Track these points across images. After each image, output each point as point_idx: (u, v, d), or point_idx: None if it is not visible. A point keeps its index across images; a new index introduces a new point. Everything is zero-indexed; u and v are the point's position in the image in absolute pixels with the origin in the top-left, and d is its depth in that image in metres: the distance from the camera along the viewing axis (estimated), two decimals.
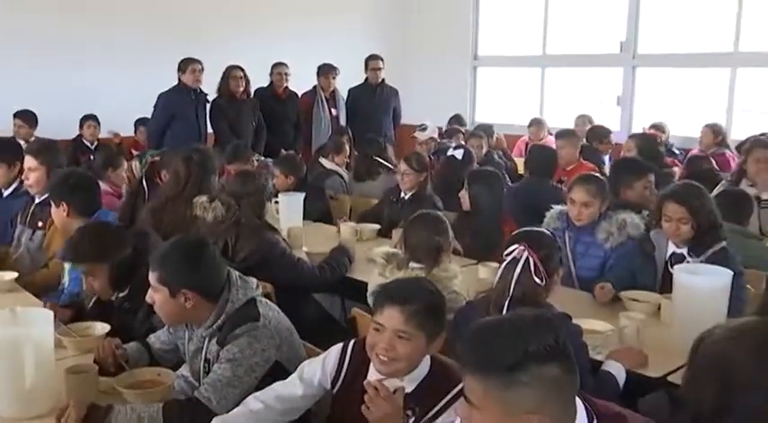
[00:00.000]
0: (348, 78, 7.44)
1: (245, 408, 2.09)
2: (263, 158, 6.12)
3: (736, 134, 6.85)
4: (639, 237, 3.35)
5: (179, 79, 6.33)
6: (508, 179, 5.33)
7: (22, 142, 5.19)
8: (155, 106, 6.34)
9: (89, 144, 6.94)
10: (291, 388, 2.13)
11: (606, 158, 6.26)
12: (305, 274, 3.54)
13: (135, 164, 5.60)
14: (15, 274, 3.32)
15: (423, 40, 9.41)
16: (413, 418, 1.99)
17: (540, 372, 1.39)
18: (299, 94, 7.18)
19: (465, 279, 3.04)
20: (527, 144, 7.31)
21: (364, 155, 5.72)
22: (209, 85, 6.51)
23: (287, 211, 4.38)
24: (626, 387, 2.39)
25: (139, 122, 7.24)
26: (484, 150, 6.19)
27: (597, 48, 8.28)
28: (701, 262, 3.00)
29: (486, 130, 6.74)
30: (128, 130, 7.33)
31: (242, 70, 6.57)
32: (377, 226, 4.49)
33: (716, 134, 6.52)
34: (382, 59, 7.43)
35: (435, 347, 2.06)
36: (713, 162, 5.66)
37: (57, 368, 2.23)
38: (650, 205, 3.74)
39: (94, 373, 2.26)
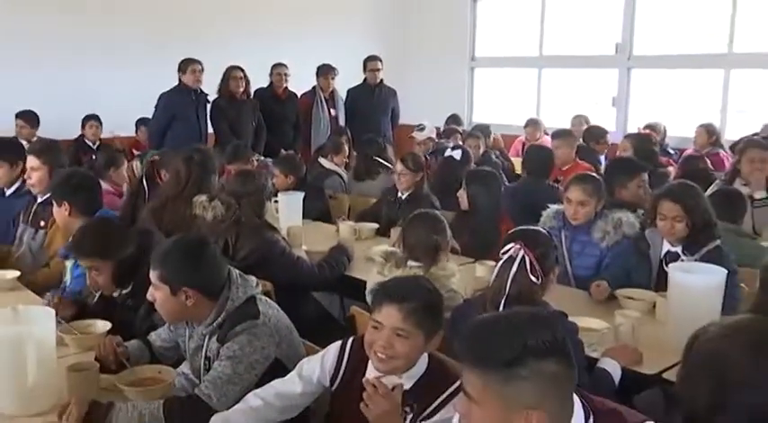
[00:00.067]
0: (347, 79, 7.44)
1: (245, 405, 2.09)
2: (262, 158, 6.12)
3: (730, 134, 6.86)
4: (635, 235, 3.36)
5: (179, 80, 6.33)
6: (505, 179, 5.33)
7: (24, 142, 5.19)
8: (155, 107, 6.34)
9: (91, 144, 6.93)
10: (291, 385, 2.13)
11: (602, 158, 6.26)
12: (304, 273, 3.54)
13: (136, 164, 5.59)
14: (17, 273, 3.32)
15: (421, 41, 9.41)
16: (411, 415, 1.99)
17: (539, 367, 1.39)
18: (299, 95, 7.18)
19: (462, 277, 3.04)
20: (523, 144, 7.32)
21: (364, 155, 5.72)
22: (210, 86, 6.50)
23: (286, 210, 4.38)
24: (621, 384, 2.40)
25: (140, 122, 7.23)
26: (481, 150, 6.20)
27: (593, 49, 8.28)
28: (696, 260, 3.01)
29: (484, 130, 6.74)
30: (128, 130, 7.32)
31: (242, 71, 6.57)
32: (375, 225, 4.49)
33: (710, 134, 6.53)
34: (381, 60, 7.43)
35: (433, 345, 2.06)
36: (708, 162, 5.67)
37: (58, 366, 2.23)
38: (645, 204, 3.75)
39: (96, 370, 2.25)
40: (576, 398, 1.50)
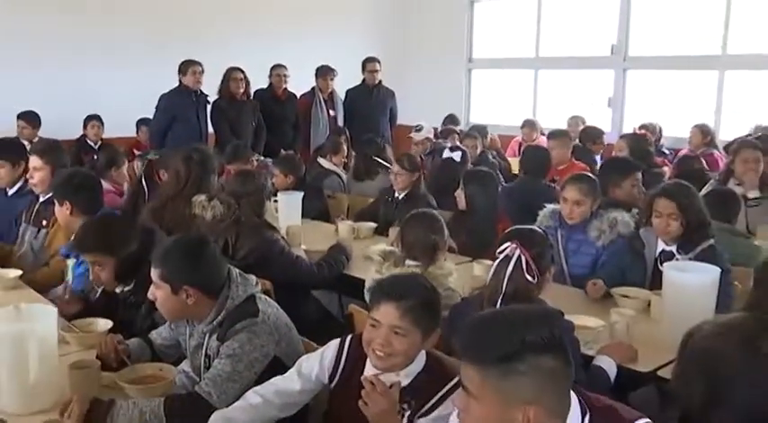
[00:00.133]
0: (346, 80, 7.44)
1: (245, 402, 2.09)
2: (262, 158, 6.12)
3: (725, 135, 6.87)
4: (630, 235, 3.36)
5: (179, 81, 6.32)
6: (502, 179, 5.34)
7: (25, 143, 5.18)
8: (156, 108, 6.33)
9: (93, 144, 6.93)
10: (290, 383, 2.13)
11: (598, 158, 6.27)
12: (303, 272, 3.54)
13: (137, 164, 5.59)
14: (19, 272, 3.31)
15: (418, 42, 9.41)
16: (409, 412, 1.99)
17: (537, 362, 1.40)
18: (298, 96, 7.17)
19: (460, 276, 3.04)
20: (520, 144, 7.33)
21: (363, 155, 5.72)
22: (210, 87, 6.50)
23: (286, 209, 4.37)
24: (617, 381, 2.40)
25: (141, 122, 7.23)
26: (478, 150, 6.20)
27: (589, 50, 8.29)
28: (690, 259, 3.01)
29: (481, 130, 6.74)
30: (129, 131, 7.31)
31: (242, 72, 6.57)
32: (374, 224, 4.49)
33: (704, 135, 6.54)
34: (379, 61, 7.43)
35: (431, 343, 2.06)
36: (703, 162, 5.68)
37: (60, 364, 2.22)
38: (639, 203, 3.76)
39: (97, 368, 2.25)
40: (572, 394, 1.50)
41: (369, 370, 2.05)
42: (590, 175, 3.84)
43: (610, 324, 2.70)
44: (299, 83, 7.18)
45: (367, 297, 2.66)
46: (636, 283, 3.18)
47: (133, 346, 2.46)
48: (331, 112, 7.23)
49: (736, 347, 1.48)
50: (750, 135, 5.90)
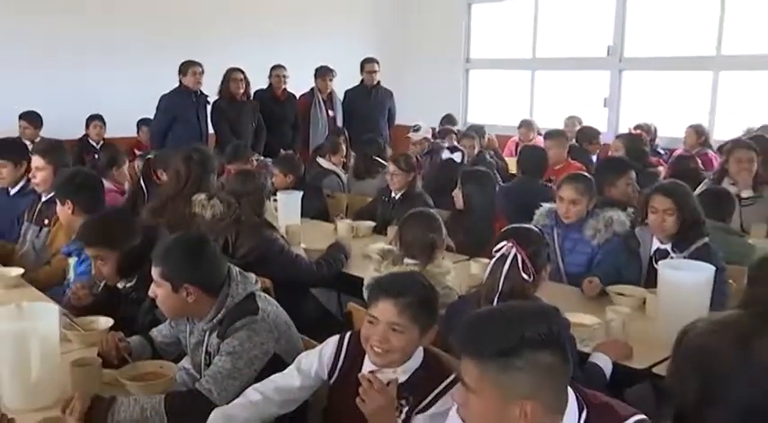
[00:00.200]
0: (344, 80, 7.44)
1: (245, 399, 2.09)
2: (262, 158, 6.12)
3: (719, 135, 6.88)
4: (625, 233, 3.37)
5: (180, 82, 6.32)
6: (499, 178, 5.34)
7: (27, 143, 5.18)
8: (156, 108, 6.33)
9: (95, 144, 6.93)
10: (289, 379, 2.13)
11: (594, 158, 6.27)
12: (303, 270, 3.54)
13: (138, 164, 5.59)
14: (21, 270, 3.31)
15: (417, 43, 9.41)
16: (407, 408, 1.99)
17: (535, 358, 1.40)
18: (297, 96, 7.17)
19: (457, 275, 3.04)
20: (517, 144, 7.33)
21: (364, 154, 5.73)
22: (210, 87, 6.49)
23: (285, 208, 4.37)
24: (612, 378, 2.40)
25: (142, 122, 7.23)
26: (476, 150, 6.20)
27: (585, 51, 8.29)
28: (685, 257, 3.02)
29: (478, 130, 6.74)
30: (130, 131, 7.31)
31: (242, 72, 6.57)
32: (372, 223, 4.49)
33: (699, 135, 6.55)
34: (378, 62, 7.43)
35: (428, 339, 2.07)
36: (698, 162, 5.68)
37: (62, 361, 2.22)
38: (633, 202, 3.77)
39: (98, 365, 2.25)
40: (570, 391, 1.50)
41: (367, 366, 2.05)
42: (586, 174, 3.84)
43: (605, 322, 2.71)
44: (299, 83, 7.18)
45: (365, 295, 2.66)
46: (631, 281, 3.18)
47: (134, 344, 2.46)
48: (330, 113, 7.23)
49: (731, 345, 1.48)
50: (743, 137, 5.91)
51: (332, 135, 6.28)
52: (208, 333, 2.30)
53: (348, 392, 1.98)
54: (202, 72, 6.29)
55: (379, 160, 5.58)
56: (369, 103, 7.37)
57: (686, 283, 2.66)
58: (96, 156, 6.30)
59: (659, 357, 2.41)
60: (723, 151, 5.10)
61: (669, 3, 7.62)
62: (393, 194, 4.65)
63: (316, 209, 4.91)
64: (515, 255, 2.38)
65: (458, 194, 4.13)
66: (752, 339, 1.48)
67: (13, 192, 4.08)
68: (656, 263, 3.01)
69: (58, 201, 3.40)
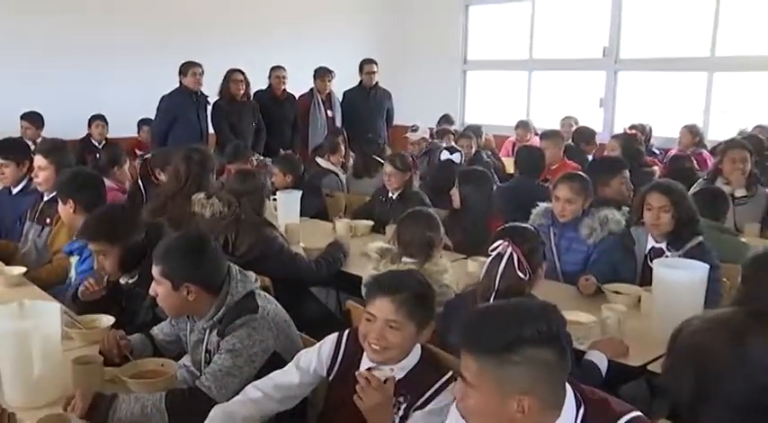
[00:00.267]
0: (343, 81, 7.43)
1: (245, 396, 2.08)
2: (262, 158, 6.11)
3: (713, 135, 6.89)
4: (620, 232, 3.37)
5: (180, 82, 6.31)
6: (497, 178, 5.34)
7: (29, 142, 5.17)
8: (157, 109, 6.32)
9: (97, 143, 6.92)
10: (289, 376, 2.13)
11: (590, 158, 6.27)
12: (302, 269, 3.54)
13: (139, 164, 5.59)
14: (24, 269, 3.31)
15: (415, 44, 9.41)
16: (404, 405, 1.99)
17: (533, 354, 1.41)
18: (297, 97, 7.16)
19: (455, 273, 3.04)
20: (514, 144, 7.33)
21: (363, 154, 5.72)
22: (210, 88, 6.48)
23: (285, 208, 4.37)
24: (608, 375, 2.40)
25: (142, 123, 7.22)
26: (473, 150, 6.20)
27: (581, 52, 8.29)
28: (679, 256, 3.03)
29: (476, 130, 6.74)
30: (131, 131, 7.30)
31: (242, 73, 6.56)
32: (371, 222, 4.48)
33: (693, 135, 6.56)
34: (376, 63, 7.42)
35: (425, 336, 2.07)
36: (693, 162, 5.69)
37: (63, 359, 2.22)
38: (627, 201, 3.78)
39: (100, 363, 2.25)
40: (568, 387, 1.51)
41: (365, 363, 2.05)
42: (582, 174, 3.83)
43: (601, 320, 2.71)
44: (298, 84, 7.17)
45: (364, 293, 2.66)
46: (627, 279, 3.18)
47: (135, 342, 2.46)
48: (329, 113, 7.22)
49: (725, 343, 1.49)
50: (741, 133, 5.92)
51: (331, 135, 6.27)
52: (208, 331, 2.30)
53: (347, 389, 1.98)
54: (202, 73, 6.29)
55: (379, 160, 5.58)
56: (367, 104, 7.37)
57: (681, 281, 2.66)
58: (98, 155, 6.31)
59: (654, 355, 2.41)
60: (717, 151, 5.10)
61: (664, 4, 7.62)
62: (390, 194, 4.64)
63: (315, 208, 4.91)
64: (511, 253, 2.38)
65: (455, 194, 4.13)
66: (745, 337, 1.48)
67: (15, 191, 4.07)
68: (651, 261, 3.02)
69: (59, 200, 3.40)
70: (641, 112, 7.53)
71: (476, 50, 9.35)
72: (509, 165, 6.31)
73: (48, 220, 3.69)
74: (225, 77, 6.54)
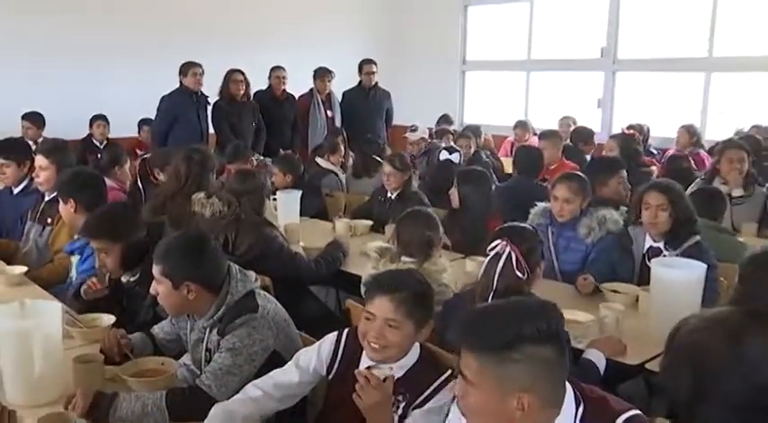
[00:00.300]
0: (343, 82, 7.43)
1: (245, 395, 2.08)
2: (262, 158, 6.11)
3: (711, 135, 6.89)
4: (618, 232, 3.37)
5: (180, 82, 6.31)
6: (495, 178, 5.34)
7: (30, 143, 5.17)
8: (158, 109, 6.32)
9: (98, 143, 6.92)
10: (288, 375, 2.13)
11: (588, 158, 6.27)
12: (301, 268, 3.54)
13: (138, 164, 5.58)
14: (25, 269, 3.30)
15: (414, 45, 9.41)
16: (403, 403, 1.99)
17: (533, 352, 1.41)
18: (297, 97, 7.16)
19: (454, 272, 3.03)
20: (512, 144, 7.33)
21: (363, 153, 5.72)
22: (210, 88, 6.48)
23: (284, 207, 4.37)
24: (606, 374, 2.40)
25: (143, 123, 7.22)
26: (472, 150, 6.20)
27: (579, 53, 8.29)
28: (677, 255, 3.02)
29: (475, 130, 6.75)
30: (132, 131, 7.29)
31: (242, 74, 6.56)
32: (370, 222, 4.48)
33: (691, 135, 6.56)
34: (375, 64, 7.42)
35: (424, 335, 2.07)
36: (691, 161, 5.69)
37: (64, 358, 2.22)
38: (625, 200, 3.78)
39: (101, 362, 2.24)
40: (567, 385, 1.51)
41: (364, 362, 2.05)
42: (580, 174, 3.84)
43: (599, 319, 2.71)
44: (298, 84, 7.17)
45: (363, 292, 2.66)
46: (624, 278, 3.18)
47: (136, 341, 2.46)
48: (329, 113, 7.22)
49: (723, 342, 1.48)
50: (738, 133, 5.93)
51: (330, 135, 6.27)
52: (208, 330, 2.30)
53: (346, 388, 1.98)
54: (202, 73, 6.29)
55: (378, 160, 5.58)
56: (367, 104, 7.36)
57: (678, 280, 2.66)
58: (99, 155, 6.31)
59: (652, 353, 2.41)
60: (714, 151, 5.10)
61: (662, 5, 7.63)
62: (389, 194, 4.64)
63: (314, 208, 4.91)
64: (509, 253, 2.38)
65: (454, 193, 4.13)
66: (743, 336, 1.48)
67: (16, 191, 4.07)
68: (649, 260, 3.01)
69: (60, 200, 3.40)
70: (639, 112, 7.54)
71: (474, 51, 9.36)
72: (508, 165, 6.32)
73: (49, 220, 3.68)
74: (225, 78, 6.54)
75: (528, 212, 3.67)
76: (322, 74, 7.15)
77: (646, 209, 3.14)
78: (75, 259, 3.26)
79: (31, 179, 3.99)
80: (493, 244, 2.43)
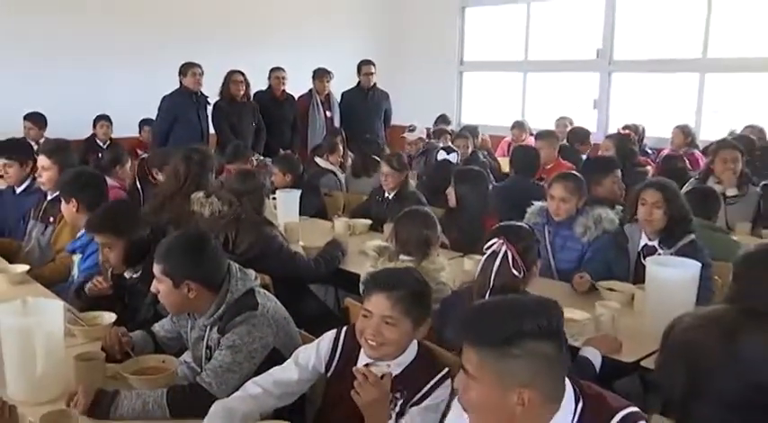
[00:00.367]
0: (342, 82, 7.42)
1: (245, 392, 2.08)
2: (262, 158, 6.11)
3: (705, 135, 6.89)
4: (614, 230, 3.38)
5: (180, 83, 6.30)
6: (492, 178, 5.34)
7: (32, 143, 5.17)
8: (158, 109, 6.31)
9: (101, 143, 6.91)
10: (288, 373, 2.13)
11: (585, 158, 6.27)
12: (301, 267, 3.54)
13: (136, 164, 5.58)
14: (27, 267, 3.30)
15: (412, 46, 9.40)
16: (401, 401, 1.99)
17: (533, 347, 1.41)
18: (296, 97, 7.15)
19: (451, 271, 3.03)
20: (509, 144, 7.33)
21: (362, 153, 5.72)
22: (211, 89, 6.47)
23: (284, 207, 4.37)
24: (602, 371, 2.40)
25: (144, 123, 7.21)
26: (470, 150, 6.20)
27: (575, 54, 8.29)
28: (672, 254, 3.03)
29: (472, 131, 6.74)
30: (133, 131, 7.28)
31: (242, 75, 6.56)
32: (369, 221, 4.48)
33: (686, 135, 6.56)
34: (374, 64, 7.42)
35: (421, 333, 2.07)
36: (686, 161, 5.69)
37: (66, 355, 2.21)
38: (620, 200, 3.78)
39: (102, 360, 2.24)
40: (566, 382, 1.51)
41: (363, 360, 2.05)
42: (576, 173, 3.84)
43: (595, 316, 2.71)
44: (297, 85, 7.16)
45: (361, 290, 2.66)
46: (620, 277, 3.19)
47: (137, 339, 2.46)
48: (328, 114, 7.21)
49: (717, 340, 1.48)
50: (732, 133, 5.92)
51: (329, 135, 6.26)
52: (208, 328, 2.30)
53: (344, 385, 1.98)
54: (202, 73, 6.28)
55: (378, 159, 5.57)
56: (365, 105, 7.35)
57: (673, 279, 2.66)
58: (100, 155, 6.30)
59: (647, 351, 2.41)
60: (709, 151, 5.11)
61: (657, 7, 7.63)
62: (387, 194, 4.64)
63: (314, 207, 4.90)
64: (506, 251, 2.38)
65: (450, 192, 4.12)
66: (737, 334, 1.48)
67: (18, 190, 4.08)
68: (644, 259, 3.02)
69: (62, 199, 3.40)
70: (634, 112, 7.54)
71: (472, 52, 9.35)
72: (505, 164, 6.31)
73: (51, 219, 3.69)
74: (225, 78, 6.53)
75: (525, 211, 3.68)
76: (321, 74, 7.15)
77: (642, 205, 3.16)
78: (76, 258, 3.26)
79: (34, 179, 4.00)
80: (490, 243, 2.43)
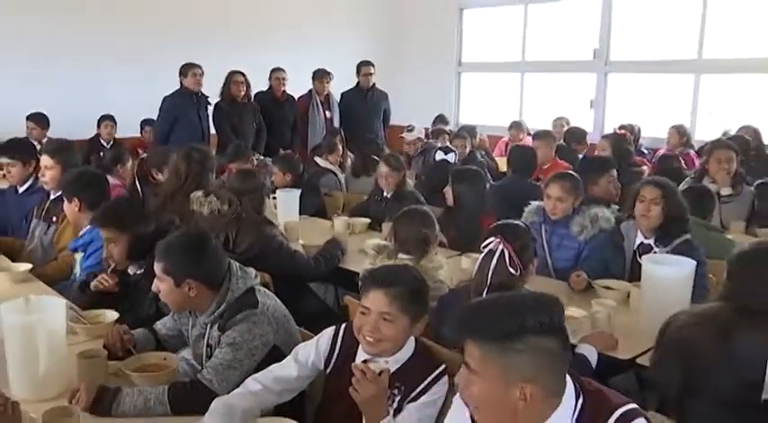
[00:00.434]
0: (341, 83, 7.42)
1: (245, 389, 2.08)
2: (262, 158, 6.11)
3: (700, 135, 6.90)
4: (610, 229, 3.38)
5: (181, 83, 6.29)
6: (490, 177, 5.34)
7: (34, 143, 5.16)
8: (159, 109, 6.30)
9: (105, 143, 6.90)
10: (287, 370, 2.13)
11: (581, 158, 6.27)
12: (301, 265, 3.53)
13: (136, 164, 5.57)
14: (30, 266, 3.30)
15: (411, 47, 9.40)
16: (398, 397, 1.99)
17: (535, 343, 1.40)
18: (296, 98, 7.15)
19: (449, 269, 3.04)
20: (507, 144, 7.33)
21: (362, 153, 5.72)
22: (211, 89, 6.47)
23: (284, 206, 4.36)
24: (598, 368, 2.40)
25: (145, 123, 7.20)
26: (467, 150, 6.20)
27: (572, 55, 8.30)
28: (667, 252, 3.03)
29: (470, 131, 6.74)
30: (135, 131, 7.28)
31: (243, 75, 6.55)
32: (368, 220, 4.48)
33: (681, 135, 6.57)
34: (373, 65, 7.41)
35: (418, 329, 2.07)
36: (681, 161, 5.70)
37: (68, 353, 2.21)
38: (615, 199, 3.79)
39: (104, 357, 2.24)
40: (568, 378, 1.51)
41: (361, 356, 2.05)
42: (573, 173, 3.84)
43: (591, 314, 2.71)
44: (297, 85, 7.16)
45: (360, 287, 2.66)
46: (616, 275, 3.19)
47: (138, 337, 2.46)
48: (327, 114, 7.21)
49: (712, 338, 1.49)
50: (726, 134, 5.93)
51: (329, 135, 6.26)
52: (209, 326, 2.30)
53: (343, 382, 1.98)
54: (202, 73, 6.27)
55: (377, 159, 5.57)
56: (365, 105, 7.35)
57: (669, 277, 2.67)
58: (102, 154, 6.30)
59: (643, 348, 2.41)
60: (704, 151, 5.11)
61: (653, 8, 7.63)
62: (385, 193, 4.63)
63: (314, 206, 4.90)
64: (503, 250, 2.38)
65: (448, 191, 4.13)
66: (732, 332, 1.49)
67: (21, 190, 4.08)
68: (640, 257, 3.02)
69: (65, 198, 3.40)
70: (630, 112, 7.54)
71: (470, 53, 9.35)
72: (502, 164, 6.31)
73: (54, 219, 3.69)
74: (226, 79, 6.53)
75: (522, 211, 3.68)
76: (320, 75, 7.15)
77: (640, 202, 3.18)
78: (78, 256, 3.26)
79: (36, 178, 4.00)
80: (487, 241, 2.44)
